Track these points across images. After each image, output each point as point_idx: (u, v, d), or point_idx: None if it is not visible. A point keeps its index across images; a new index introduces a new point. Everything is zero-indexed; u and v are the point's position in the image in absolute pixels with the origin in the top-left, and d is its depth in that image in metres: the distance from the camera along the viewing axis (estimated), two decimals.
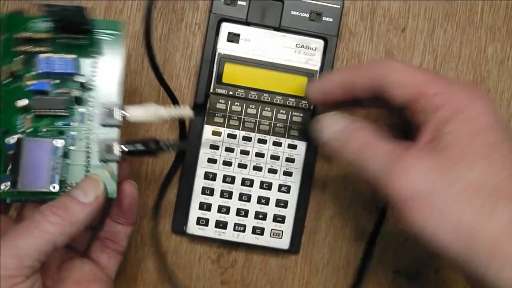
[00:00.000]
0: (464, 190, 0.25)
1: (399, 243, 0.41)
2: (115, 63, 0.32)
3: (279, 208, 0.39)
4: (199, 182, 0.39)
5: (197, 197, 0.39)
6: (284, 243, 0.39)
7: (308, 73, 0.38)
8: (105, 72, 0.32)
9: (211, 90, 0.38)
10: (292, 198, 0.39)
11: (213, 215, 0.39)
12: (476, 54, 0.42)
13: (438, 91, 0.28)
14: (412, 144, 0.28)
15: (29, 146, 0.30)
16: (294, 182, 0.39)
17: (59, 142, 0.30)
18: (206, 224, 0.39)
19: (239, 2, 0.38)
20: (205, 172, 0.39)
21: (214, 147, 0.39)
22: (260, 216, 0.39)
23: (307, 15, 0.38)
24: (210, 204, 0.39)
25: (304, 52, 0.39)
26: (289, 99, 0.38)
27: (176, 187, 0.40)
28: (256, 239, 0.39)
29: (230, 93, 0.38)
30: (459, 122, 0.27)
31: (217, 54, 0.38)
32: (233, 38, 0.38)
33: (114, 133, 0.31)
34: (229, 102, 0.39)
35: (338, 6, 0.38)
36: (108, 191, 0.31)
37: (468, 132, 0.27)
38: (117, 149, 0.31)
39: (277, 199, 0.39)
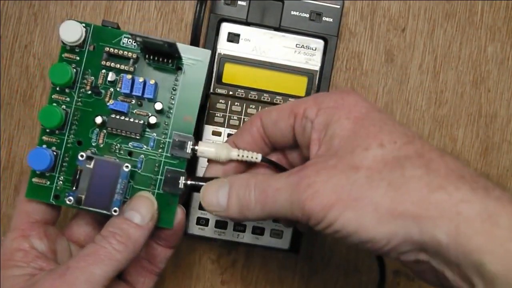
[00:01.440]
0: (369, 175, 0.25)
1: None
2: (195, 93, 0.31)
3: None
4: None
5: (197, 197, 0.39)
6: (284, 243, 0.39)
7: (308, 73, 0.38)
8: (183, 101, 0.31)
9: (211, 90, 0.38)
10: None
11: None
12: (476, 54, 0.42)
13: (306, 105, 0.28)
14: (306, 163, 0.27)
15: (98, 166, 0.29)
16: None
17: (127, 166, 0.30)
18: (206, 224, 0.39)
19: (239, 2, 0.38)
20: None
21: None
22: None
23: (307, 15, 0.38)
24: None
25: (304, 52, 0.39)
26: (289, 99, 0.38)
27: None
28: (256, 239, 0.39)
29: (230, 93, 0.38)
30: (337, 120, 0.27)
31: (217, 54, 0.38)
32: (233, 38, 0.38)
33: (181, 165, 0.31)
34: (229, 102, 0.39)
35: (338, 6, 0.38)
36: (166, 221, 0.31)
37: (349, 123, 0.27)
38: (182, 182, 0.31)
39: None
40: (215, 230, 0.39)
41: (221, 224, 0.39)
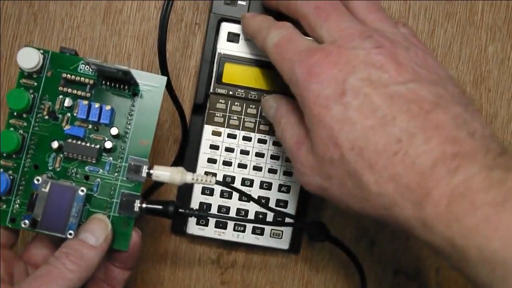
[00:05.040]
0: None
1: (399, 243, 0.41)
2: (151, 118, 0.32)
3: (279, 208, 0.39)
4: None
5: (197, 197, 0.39)
6: (284, 243, 0.39)
7: None
8: (140, 126, 0.32)
9: (211, 90, 0.38)
10: (292, 198, 0.39)
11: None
12: (476, 54, 0.42)
13: None
14: None
15: (54, 190, 0.30)
16: (294, 182, 0.39)
17: (82, 190, 0.30)
18: (206, 224, 0.39)
19: (239, 2, 0.38)
20: (205, 172, 0.39)
21: (214, 147, 0.39)
22: (260, 216, 0.39)
23: None
24: (210, 204, 0.39)
25: None
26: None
27: (176, 187, 0.40)
28: (256, 239, 0.39)
29: (230, 93, 0.38)
30: None
31: (217, 54, 0.38)
32: (233, 38, 0.38)
33: (137, 189, 0.31)
34: (229, 102, 0.38)
35: None
36: (121, 244, 0.31)
37: None
38: (137, 206, 0.31)
39: (277, 199, 0.39)
40: (215, 230, 0.39)
41: (221, 224, 0.39)
